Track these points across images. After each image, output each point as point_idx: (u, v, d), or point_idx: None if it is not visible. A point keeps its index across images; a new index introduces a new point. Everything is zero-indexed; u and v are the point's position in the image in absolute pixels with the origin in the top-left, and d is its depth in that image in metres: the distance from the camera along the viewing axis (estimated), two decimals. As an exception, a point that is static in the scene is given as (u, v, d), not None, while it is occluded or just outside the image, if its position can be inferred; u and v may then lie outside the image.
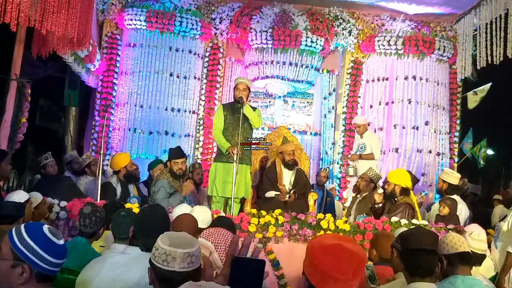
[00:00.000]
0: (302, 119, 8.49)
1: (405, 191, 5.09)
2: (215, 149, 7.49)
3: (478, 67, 6.80)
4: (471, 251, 2.79)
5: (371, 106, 7.96)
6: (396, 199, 5.08)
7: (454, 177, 5.43)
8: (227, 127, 5.26)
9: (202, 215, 3.34)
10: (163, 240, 1.77)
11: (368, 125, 6.77)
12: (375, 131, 7.78)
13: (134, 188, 5.69)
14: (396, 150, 7.63)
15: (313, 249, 1.50)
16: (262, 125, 5.56)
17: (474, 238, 3.37)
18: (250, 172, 5.43)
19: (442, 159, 7.72)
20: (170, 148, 5.46)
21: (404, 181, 5.09)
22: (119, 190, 5.42)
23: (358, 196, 5.66)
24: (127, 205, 4.70)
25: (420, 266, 2.28)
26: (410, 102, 7.68)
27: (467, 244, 2.63)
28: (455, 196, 5.27)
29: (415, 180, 5.44)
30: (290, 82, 7.79)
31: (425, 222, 4.82)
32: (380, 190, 5.28)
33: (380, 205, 5.21)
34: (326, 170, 6.76)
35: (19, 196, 3.69)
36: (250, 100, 6.30)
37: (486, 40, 6.47)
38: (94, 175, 5.70)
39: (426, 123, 7.64)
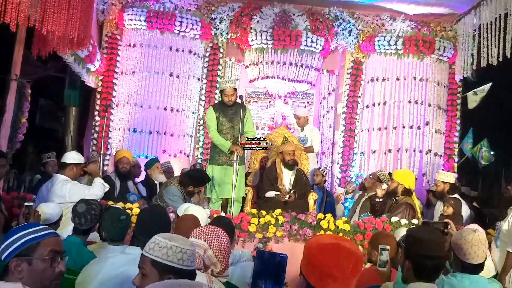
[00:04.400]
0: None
1: (407, 192, 5.10)
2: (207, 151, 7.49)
3: (479, 67, 6.80)
4: None
5: (367, 106, 7.96)
6: (397, 198, 5.09)
7: (451, 176, 5.44)
8: (221, 130, 5.33)
9: (198, 215, 3.34)
10: (177, 240, 1.76)
11: (307, 120, 7.02)
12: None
13: (133, 187, 5.73)
14: (397, 150, 7.63)
15: (311, 248, 1.50)
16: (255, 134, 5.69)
17: None
18: (246, 172, 5.49)
19: (441, 159, 7.72)
20: (192, 174, 5.17)
21: (408, 182, 5.10)
22: (118, 184, 5.48)
23: (365, 194, 5.69)
24: (127, 205, 4.72)
25: (425, 270, 2.28)
26: (410, 102, 7.67)
27: (486, 254, 2.47)
28: (457, 196, 5.28)
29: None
30: (290, 82, 7.78)
31: (425, 222, 4.82)
32: (384, 186, 5.29)
33: (381, 199, 5.22)
34: (322, 170, 6.75)
35: (51, 209, 3.42)
36: (247, 100, 6.36)
37: (487, 40, 6.46)
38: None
39: (427, 123, 7.64)
